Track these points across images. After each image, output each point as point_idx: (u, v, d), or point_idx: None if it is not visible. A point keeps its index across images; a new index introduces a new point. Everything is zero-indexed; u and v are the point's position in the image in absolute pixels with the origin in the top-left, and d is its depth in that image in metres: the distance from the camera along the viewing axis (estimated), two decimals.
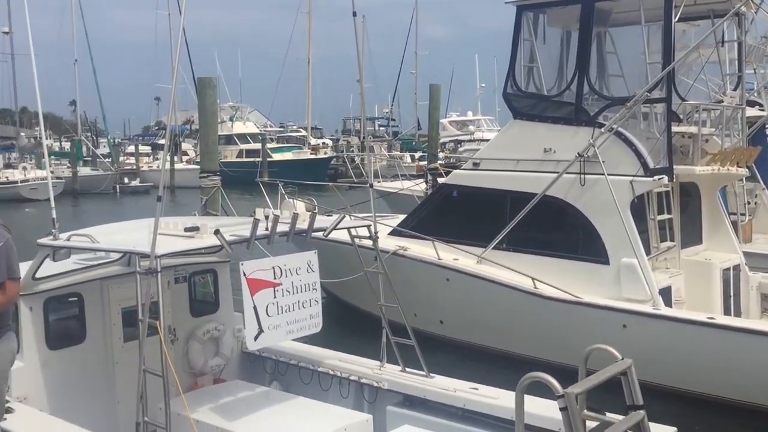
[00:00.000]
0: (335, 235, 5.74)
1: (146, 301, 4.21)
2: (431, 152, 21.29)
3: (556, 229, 9.86)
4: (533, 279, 9.08)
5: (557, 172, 9.35)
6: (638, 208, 9.17)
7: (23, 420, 4.65)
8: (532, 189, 9.56)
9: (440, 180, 13.56)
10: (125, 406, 5.35)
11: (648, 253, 9.00)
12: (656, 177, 8.91)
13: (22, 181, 36.63)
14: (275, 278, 4.89)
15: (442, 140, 51.32)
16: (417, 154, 43.62)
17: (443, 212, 10.76)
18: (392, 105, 67.74)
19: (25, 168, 38.63)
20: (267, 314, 4.83)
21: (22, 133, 50.77)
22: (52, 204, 5.87)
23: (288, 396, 5.51)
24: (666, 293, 8.88)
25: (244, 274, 4.71)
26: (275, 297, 4.88)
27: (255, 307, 4.77)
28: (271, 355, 6.23)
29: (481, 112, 62.04)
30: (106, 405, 5.52)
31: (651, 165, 9.01)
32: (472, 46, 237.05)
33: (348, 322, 11.28)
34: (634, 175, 8.94)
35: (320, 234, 5.31)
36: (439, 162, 21.98)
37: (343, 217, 5.60)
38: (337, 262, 9.96)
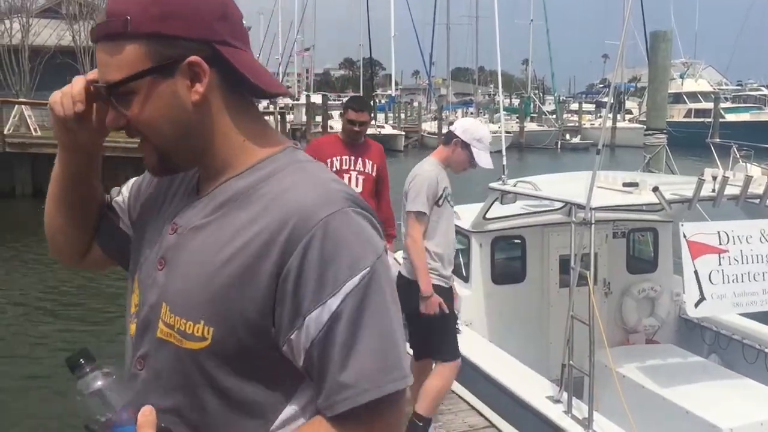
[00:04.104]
0: None
1: (579, 251, 4.28)
2: None
3: None
4: None
5: None
6: None
7: (466, 341, 5.13)
8: None
9: None
10: (556, 347, 5.59)
11: None
12: None
13: None
14: (720, 244, 4.52)
15: None
16: None
17: None
18: None
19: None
20: (710, 281, 4.49)
21: (479, 90, 55.93)
22: (504, 153, 6.43)
23: (727, 372, 5.09)
24: None
25: (684, 236, 4.46)
26: (720, 264, 4.51)
27: (696, 272, 4.47)
28: (712, 325, 5.85)
29: None
30: (538, 342, 5.82)
31: None
32: None
33: None
34: None
35: None
36: None
37: None
38: None
